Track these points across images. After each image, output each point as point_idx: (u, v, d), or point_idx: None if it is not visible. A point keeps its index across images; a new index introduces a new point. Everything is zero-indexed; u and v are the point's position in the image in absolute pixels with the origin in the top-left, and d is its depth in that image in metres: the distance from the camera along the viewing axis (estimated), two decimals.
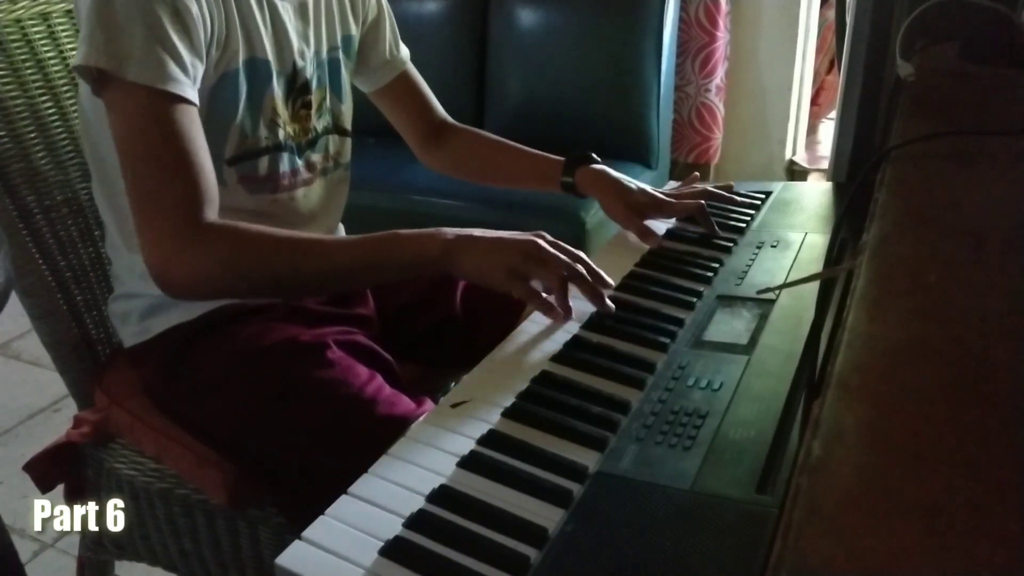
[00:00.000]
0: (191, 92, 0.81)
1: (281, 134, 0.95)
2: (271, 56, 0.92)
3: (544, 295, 0.86)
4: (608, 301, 0.86)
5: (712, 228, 1.05)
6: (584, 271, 0.86)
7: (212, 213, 0.81)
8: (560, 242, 0.87)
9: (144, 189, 0.80)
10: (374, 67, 1.13)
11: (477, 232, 0.86)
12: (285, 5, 0.93)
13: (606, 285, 0.88)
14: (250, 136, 0.92)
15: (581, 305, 0.87)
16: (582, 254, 0.87)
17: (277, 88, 0.93)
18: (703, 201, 1.06)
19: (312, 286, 0.92)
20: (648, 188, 1.08)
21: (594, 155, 1.10)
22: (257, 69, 0.91)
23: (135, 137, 0.80)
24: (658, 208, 1.06)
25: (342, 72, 1.04)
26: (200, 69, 0.83)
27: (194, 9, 0.80)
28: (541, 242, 0.86)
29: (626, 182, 1.07)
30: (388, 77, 1.15)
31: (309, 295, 1.01)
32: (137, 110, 0.79)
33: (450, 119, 1.21)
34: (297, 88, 0.96)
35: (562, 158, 1.12)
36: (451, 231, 0.85)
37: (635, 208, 1.05)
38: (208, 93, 0.86)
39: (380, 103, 1.18)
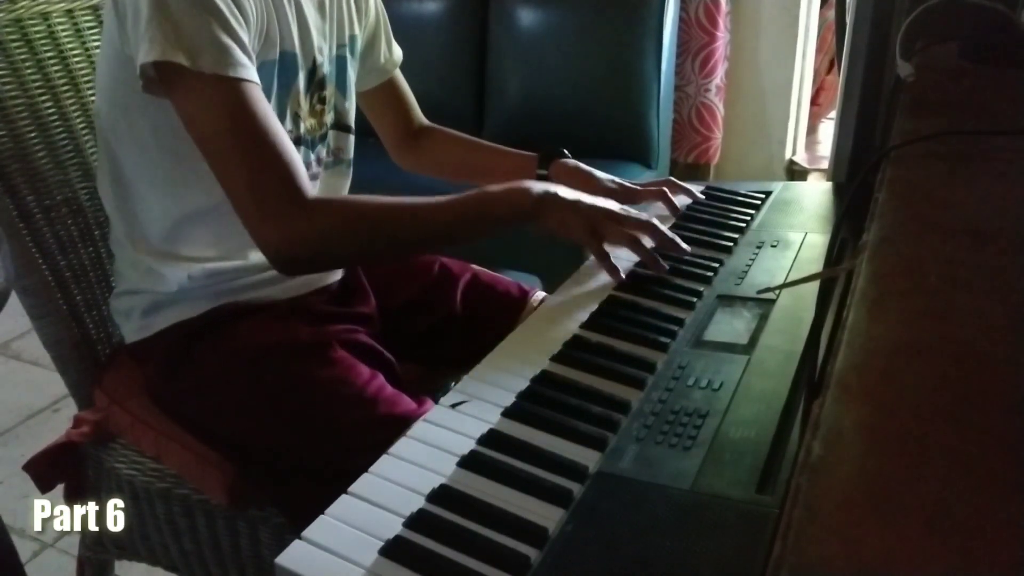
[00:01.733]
0: (256, 75, 0.82)
1: (302, 128, 0.96)
2: (298, 50, 0.93)
3: (611, 260, 0.93)
4: (683, 246, 0.95)
5: (675, 210, 1.10)
6: (656, 223, 0.94)
7: (310, 188, 0.83)
8: (630, 209, 0.95)
9: (245, 177, 0.81)
10: (368, 69, 1.14)
11: (561, 190, 0.91)
12: (307, 1, 0.94)
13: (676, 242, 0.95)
14: None
15: (581, 308, 0.87)
16: (654, 219, 0.95)
17: (301, 82, 0.95)
18: (665, 188, 1.11)
19: (419, 247, 0.99)
20: (617, 179, 1.12)
21: (566, 151, 1.15)
22: (287, 62, 0.92)
23: (223, 128, 0.80)
24: (626, 195, 1.10)
25: (348, 69, 1.04)
26: (254, 56, 0.84)
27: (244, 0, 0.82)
28: (616, 207, 0.94)
29: (596, 173, 1.12)
30: (379, 80, 1.16)
31: (415, 255, 1.11)
32: (219, 101, 0.79)
33: (427, 122, 1.24)
34: (316, 83, 0.97)
35: (535, 154, 1.16)
36: (537, 186, 0.91)
37: (604, 196, 1.08)
38: None
39: (365, 103, 1.19)
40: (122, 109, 0.90)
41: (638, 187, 1.12)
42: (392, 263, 1.09)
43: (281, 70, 0.91)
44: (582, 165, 1.13)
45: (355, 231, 0.85)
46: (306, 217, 0.81)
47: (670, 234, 0.95)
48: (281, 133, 0.83)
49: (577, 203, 0.91)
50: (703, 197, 1.15)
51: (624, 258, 0.96)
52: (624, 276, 0.93)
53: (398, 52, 1.17)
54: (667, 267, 0.93)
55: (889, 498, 0.36)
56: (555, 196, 0.90)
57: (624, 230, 0.92)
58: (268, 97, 0.90)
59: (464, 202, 0.88)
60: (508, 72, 2.35)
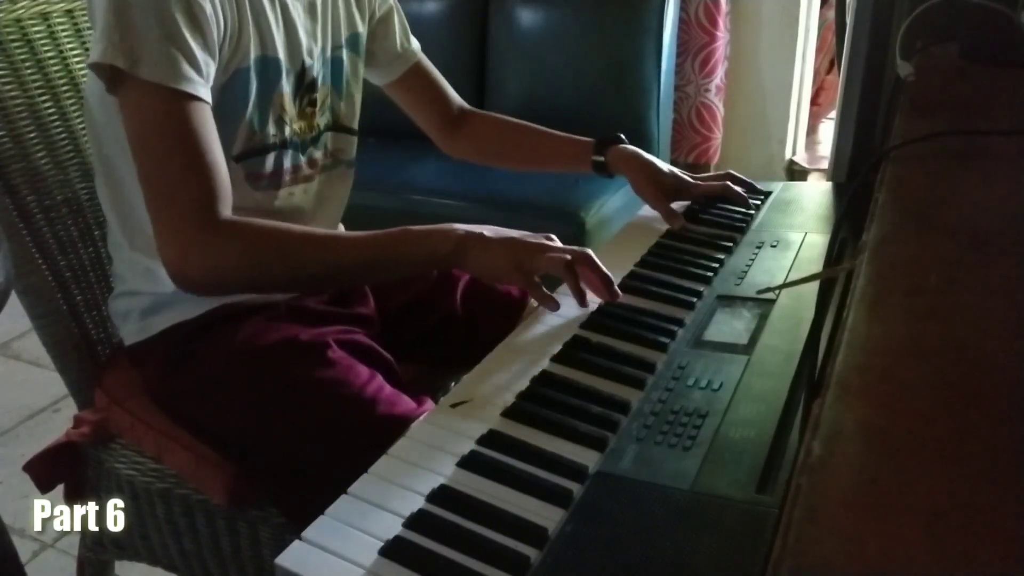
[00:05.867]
0: (204, 91, 0.81)
1: (287, 131, 0.96)
2: (282, 54, 0.92)
3: (544, 289, 0.87)
4: (616, 288, 0.87)
5: (744, 199, 1.10)
6: (590, 259, 0.87)
7: (227, 210, 0.82)
8: (567, 246, 0.89)
9: (160, 187, 0.81)
10: (386, 60, 1.14)
11: (487, 231, 0.87)
12: (295, 4, 0.94)
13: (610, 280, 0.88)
14: (258, 133, 0.92)
15: (581, 308, 0.87)
16: (589, 251, 0.88)
17: (286, 86, 0.94)
18: (727, 182, 1.11)
19: (326, 281, 0.94)
20: (677, 171, 1.12)
21: (622, 136, 1.13)
22: (268, 67, 0.91)
23: (149, 136, 0.80)
24: (686, 190, 1.11)
25: (344, 70, 1.04)
26: (213, 67, 0.83)
27: (207, 8, 0.81)
28: (548, 243, 0.88)
29: (658, 163, 1.11)
30: (401, 69, 1.15)
31: (323, 290, 1.03)
32: (151, 109, 0.79)
33: (468, 106, 1.23)
34: (305, 86, 0.97)
35: (590, 139, 1.14)
36: (461, 228, 0.86)
37: (664, 190, 1.10)
38: (219, 90, 0.86)
39: (396, 96, 1.19)
40: (112, 110, 0.89)
41: (699, 182, 1.12)
42: (305, 292, 1.01)
43: (260, 75, 0.90)
44: (641, 152, 1.11)
45: (257, 257, 0.82)
46: (210, 238, 0.80)
47: (604, 271, 0.87)
48: (211, 152, 0.81)
49: (503, 244, 0.86)
50: (761, 189, 1.16)
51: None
52: (559, 306, 0.88)
53: (416, 41, 1.17)
54: (620, 295, 0.87)
55: (889, 498, 0.36)
56: (478, 238, 0.85)
57: (551, 255, 0.85)
58: (246, 103, 0.90)
59: (381, 240, 0.85)
60: (508, 72, 2.35)
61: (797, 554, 0.33)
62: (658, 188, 1.09)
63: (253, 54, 0.89)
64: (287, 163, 0.96)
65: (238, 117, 0.90)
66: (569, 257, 0.85)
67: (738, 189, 1.13)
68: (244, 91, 0.89)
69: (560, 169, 1.21)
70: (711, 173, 1.19)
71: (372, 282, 1.07)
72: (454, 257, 0.85)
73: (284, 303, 0.99)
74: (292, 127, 0.96)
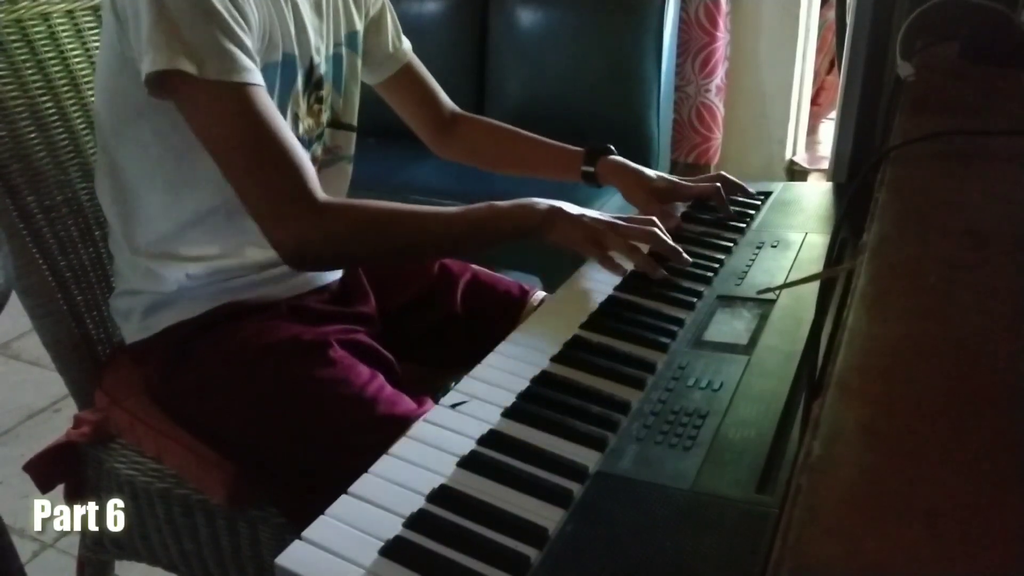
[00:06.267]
0: (261, 78, 0.83)
1: (301, 128, 0.96)
2: (296, 51, 0.93)
3: (613, 260, 0.94)
4: (683, 254, 0.95)
5: (727, 210, 1.10)
6: (659, 232, 0.94)
7: (320, 191, 0.84)
8: (635, 226, 0.95)
9: (256, 180, 0.82)
10: (378, 60, 1.14)
11: (565, 206, 0.93)
12: (304, 1, 0.94)
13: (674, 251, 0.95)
14: None
15: (581, 308, 0.87)
16: (656, 229, 0.94)
17: (300, 83, 0.95)
18: (719, 184, 1.11)
19: (423, 254, 1.04)
20: (665, 175, 1.13)
21: (611, 147, 1.15)
22: (288, 64, 0.92)
23: (233, 134, 0.81)
24: (677, 193, 1.12)
25: (344, 67, 1.04)
26: (258, 59, 0.84)
27: (244, 2, 0.82)
28: (621, 222, 0.94)
29: (646, 171, 1.12)
30: (392, 69, 1.16)
31: (420, 261, 1.13)
32: (225, 107, 0.80)
33: (459, 109, 1.23)
34: (313, 83, 0.98)
35: (580, 148, 1.15)
36: (543, 202, 0.93)
37: (655, 194, 1.10)
38: None
39: (387, 96, 1.19)
40: (122, 111, 0.90)
41: (690, 183, 1.13)
42: (398, 266, 1.12)
43: (283, 72, 0.91)
44: (629, 163, 1.14)
45: (364, 235, 0.87)
46: (318, 218, 0.83)
47: (672, 243, 0.95)
48: (289, 135, 0.84)
49: (581, 217, 0.93)
50: (752, 192, 1.16)
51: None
52: (626, 271, 0.94)
53: (407, 41, 1.17)
54: (663, 273, 0.93)
55: (889, 498, 0.36)
56: (560, 211, 0.92)
57: (625, 240, 0.93)
58: (271, 99, 0.90)
59: (474, 215, 0.90)
60: (508, 72, 2.35)
61: (797, 554, 0.33)
62: (648, 193, 1.10)
63: (281, 50, 0.90)
64: None
65: None
66: (637, 243, 0.93)
67: (726, 193, 1.12)
68: (271, 87, 0.90)
69: (548, 176, 1.22)
70: (704, 175, 1.19)
71: (464, 255, 1.13)
72: (541, 229, 0.92)
73: (285, 302, 0.99)
74: (304, 124, 0.97)
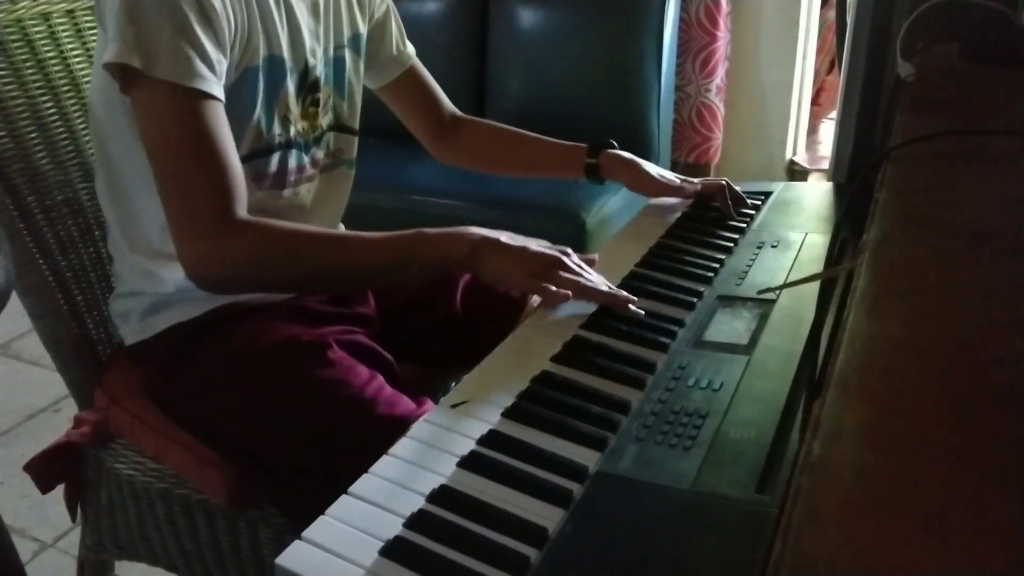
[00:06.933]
0: (217, 89, 0.82)
1: (292, 131, 0.96)
2: (287, 54, 0.92)
3: (552, 290, 0.85)
4: (632, 306, 0.86)
5: (729, 210, 1.09)
6: (602, 287, 0.87)
7: (242, 209, 0.82)
8: (583, 264, 0.89)
9: (176, 187, 0.81)
10: (382, 63, 1.14)
11: (503, 237, 0.87)
12: (299, 3, 0.94)
13: (625, 299, 0.87)
14: (265, 133, 0.92)
15: (581, 308, 0.87)
16: (594, 282, 0.87)
17: (290, 85, 0.94)
18: (724, 181, 1.11)
19: (340, 282, 0.94)
20: (666, 172, 1.14)
21: (614, 142, 1.15)
22: (274, 67, 0.91)
23: (165, 135, 0.80)
24: (680, 189, 1.12)
25: (347, 70, 1.04)
26: (224, 65, 0.83)
27: (218, 5, 0.81)
28: (565, 259, 0.87)
29: (646, 165, 1.13)
30: (395, 73, 1.16)
31: (337, 290, 1.04)
32: (166, 108, 0.80)
33: (459, 112, 1.23)
34: (308, 86, 0.97)
35: (582, 144, 1.15)
36: (477, 232, 0.86)
37: (663, 184, 1.12)
38: (229, 89, 0.86)
39: (389, 99, 1.19)
40: (115, 109, 0.89)
41: (696, 183, 1.13)
42: (319, 293, 1.02)
43: (267, 75, 0.91)
44: (631, 156, 1.13)
45: (274, 256, 0.83)
46: (227, 237, 0.81)
47: (615, 290, 0.87)
48: (227, 151, 0.82)
49: (521, 250, 0.86)
50: (750, 204, 1.14)
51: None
52: (568, 296, 0.85)
53: (411, 45, 1.18)
54: (641, 313, 0.86)
55: (889, 498, 0.36)
56: (495, 243, 0.86)
57: (569, 277, 0.86)
58: (254, 102, 0.90)
59: (397, 242, 0.85)
60: (508, 72, 2.35)
61: (797, 554, 0.33)
62: (657, 181, 1.11)
63: (262, 54, 0.89)
64: (292, 163, 0.97)
65: (247, 117, 0.90)
66: (582, 281, 0.86)
67: (733, 198, 1.13)
68: (253, 91, 0.89)
69: (551, 175, 1.22)
70: (708, 178, 1.19)
71: (385, 284, 1.07)
72: (469, 261, 0.86)
73: (285, 303, 0.99)
74: (296, 127, 0.96)
